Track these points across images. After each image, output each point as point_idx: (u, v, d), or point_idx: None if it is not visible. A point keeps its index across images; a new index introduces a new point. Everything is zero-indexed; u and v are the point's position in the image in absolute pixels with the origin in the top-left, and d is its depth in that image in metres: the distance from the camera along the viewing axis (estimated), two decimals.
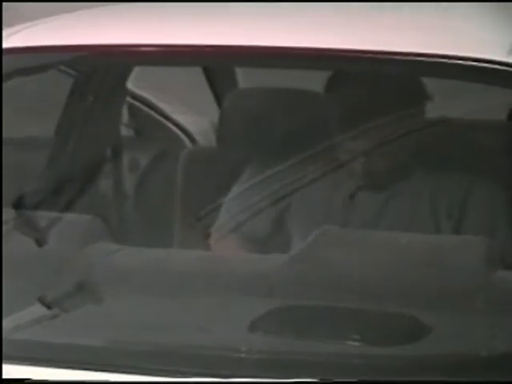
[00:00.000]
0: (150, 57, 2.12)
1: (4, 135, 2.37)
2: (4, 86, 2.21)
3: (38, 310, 1.79)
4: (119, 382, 1.62)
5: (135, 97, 2.77)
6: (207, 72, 2.69)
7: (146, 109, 2.85)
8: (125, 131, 2.61)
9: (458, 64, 1.92)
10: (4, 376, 1.65)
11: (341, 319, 1.78)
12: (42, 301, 1.80)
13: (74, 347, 1.72)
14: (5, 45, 2.17)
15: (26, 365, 1.67)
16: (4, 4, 2.88)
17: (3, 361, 1.67)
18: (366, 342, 1.72)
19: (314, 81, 2.22)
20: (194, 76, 2.64)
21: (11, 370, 1.65)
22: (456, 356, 1.67)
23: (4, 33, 2.28)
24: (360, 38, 2.01)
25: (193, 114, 2.79)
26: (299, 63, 2.04)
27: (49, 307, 1.80)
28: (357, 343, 1.72)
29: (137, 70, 2.49)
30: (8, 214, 2.00)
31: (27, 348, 1.73)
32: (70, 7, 3.39)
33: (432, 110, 2.14)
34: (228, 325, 1.77)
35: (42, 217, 2.02)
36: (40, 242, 1.95)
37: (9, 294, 1.84)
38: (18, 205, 2.03)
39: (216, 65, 2.51)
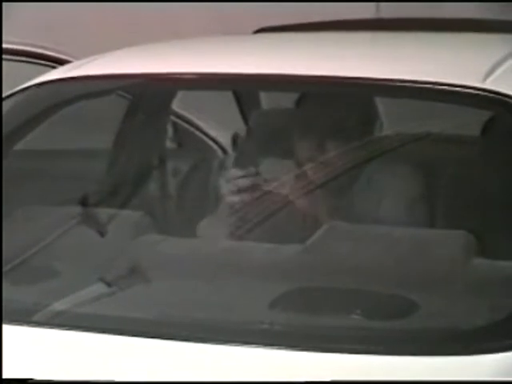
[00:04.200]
0: (190, 83, 2.19)
1: (73, 147, 2.42)
2: (75, 106, 2.27)
3: (99, 288, 1.84)
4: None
5: (178, 116, 2.76)
6: (236, 95, 2.70)
7: (186, 125, 2.85)
8: (169, 144, 2.61)
9: (441, 89, 1.96)
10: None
11: (345, 298, 1.81)
12: (102, 281, 1.86)
13: (127, 319, 1.76)
14: (77, 73, 2.23)
15: (90, 332, 1.69)
16: None
17: (75, 329, 1.70)
18: (366, 317, 1.74)
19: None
20: (226, 98, 2.66)
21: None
22: (440, 329, 1.70)
23: (75, 63, 2.37)
24: (367, 68, 2.05)
25: (224, 129, 2.80)
26: (311, 88, 2.08)
27: (108, 286, 1.85)
28: (358, 317, 1.74)
29: (180, 94, 2.51)
30: (76, 210, 2.04)
31: (90, 320, 1.76)
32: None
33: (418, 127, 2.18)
34: (253, 303, 1.80)
35: (103, 213, 2.08)
36: (101, 233, 2.01)
37: (76, 275, 1.90)
38: (83, 203, 2.07)
39: (243, 89, 2.52)
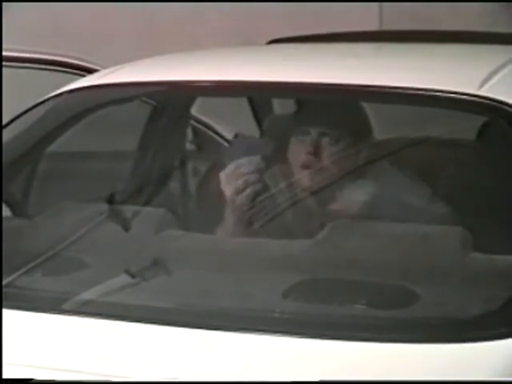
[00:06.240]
0: (208, 90, 2.21)
1: (102, 149, 2.43)
2: (103, 111, 2.30)
3: (125, 279, 1.85)
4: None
5: (197, 120, 2.79)
6: (251, 101, 2.71)
7: (205, 129, 2.87)
8: (189, 146, 2.63)
9: (440, 96, 1.98)
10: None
11: (351, 289, 1.82)
12: (127, 272, 1.86)
13: (149, 308, 1.77)
14: (105, 81, 2.26)
15: (116, 320, 1.70)
16: None
17: (102, 317, 1.71)
18: (370, 306, 1.76)
19: None
20: (241, 104, 2.66)
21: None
22: (438, 318, 1.71)
23: (103, 72, 2.39)
24: (370, 76, 2.07)
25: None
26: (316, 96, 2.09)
27: (132, 277, 1.86)
28: (363, 307, 1.76)
29: (199, 100, 2.52)
30: (103, 207, 2.05)
31: (116, 308, 1.77)
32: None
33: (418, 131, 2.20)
34: (265, 293, 1.81)
35: (128, 210, 2.08)
36: (126, 228, 2.02)
37: (103, 267, 1.92)
38: (110, 200, 2.07)
39: (257, 96, 2.52)
